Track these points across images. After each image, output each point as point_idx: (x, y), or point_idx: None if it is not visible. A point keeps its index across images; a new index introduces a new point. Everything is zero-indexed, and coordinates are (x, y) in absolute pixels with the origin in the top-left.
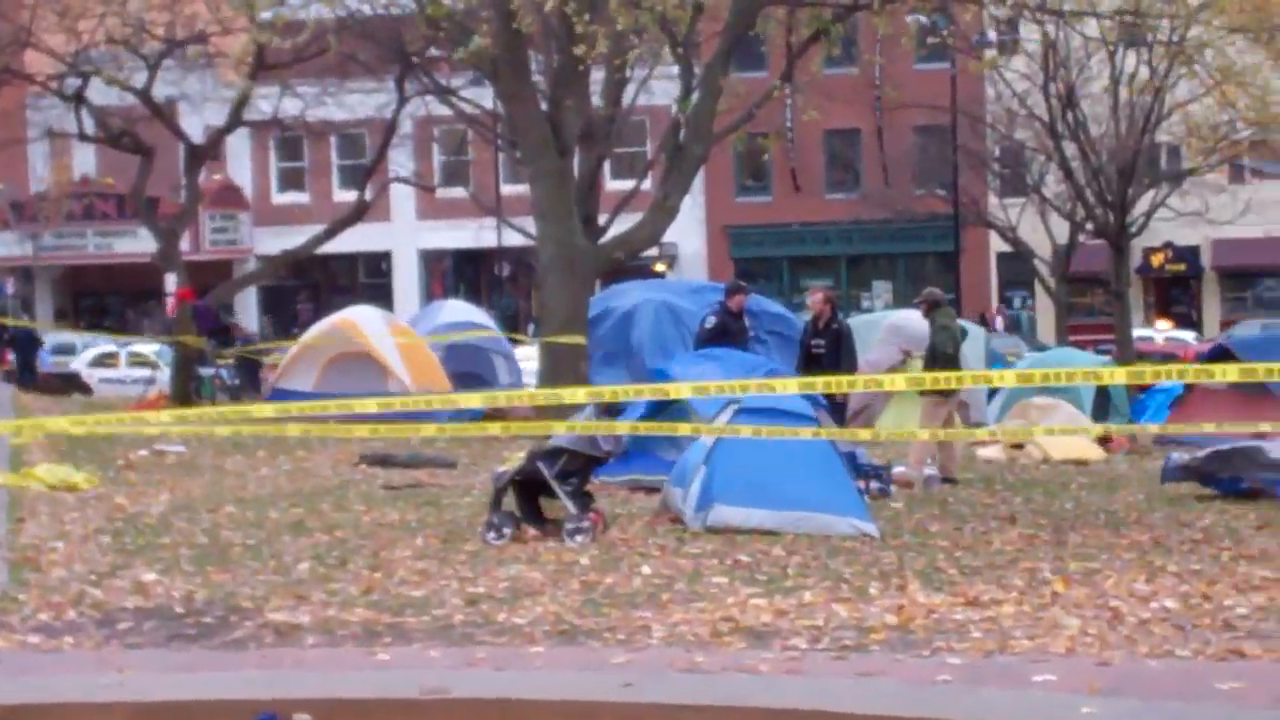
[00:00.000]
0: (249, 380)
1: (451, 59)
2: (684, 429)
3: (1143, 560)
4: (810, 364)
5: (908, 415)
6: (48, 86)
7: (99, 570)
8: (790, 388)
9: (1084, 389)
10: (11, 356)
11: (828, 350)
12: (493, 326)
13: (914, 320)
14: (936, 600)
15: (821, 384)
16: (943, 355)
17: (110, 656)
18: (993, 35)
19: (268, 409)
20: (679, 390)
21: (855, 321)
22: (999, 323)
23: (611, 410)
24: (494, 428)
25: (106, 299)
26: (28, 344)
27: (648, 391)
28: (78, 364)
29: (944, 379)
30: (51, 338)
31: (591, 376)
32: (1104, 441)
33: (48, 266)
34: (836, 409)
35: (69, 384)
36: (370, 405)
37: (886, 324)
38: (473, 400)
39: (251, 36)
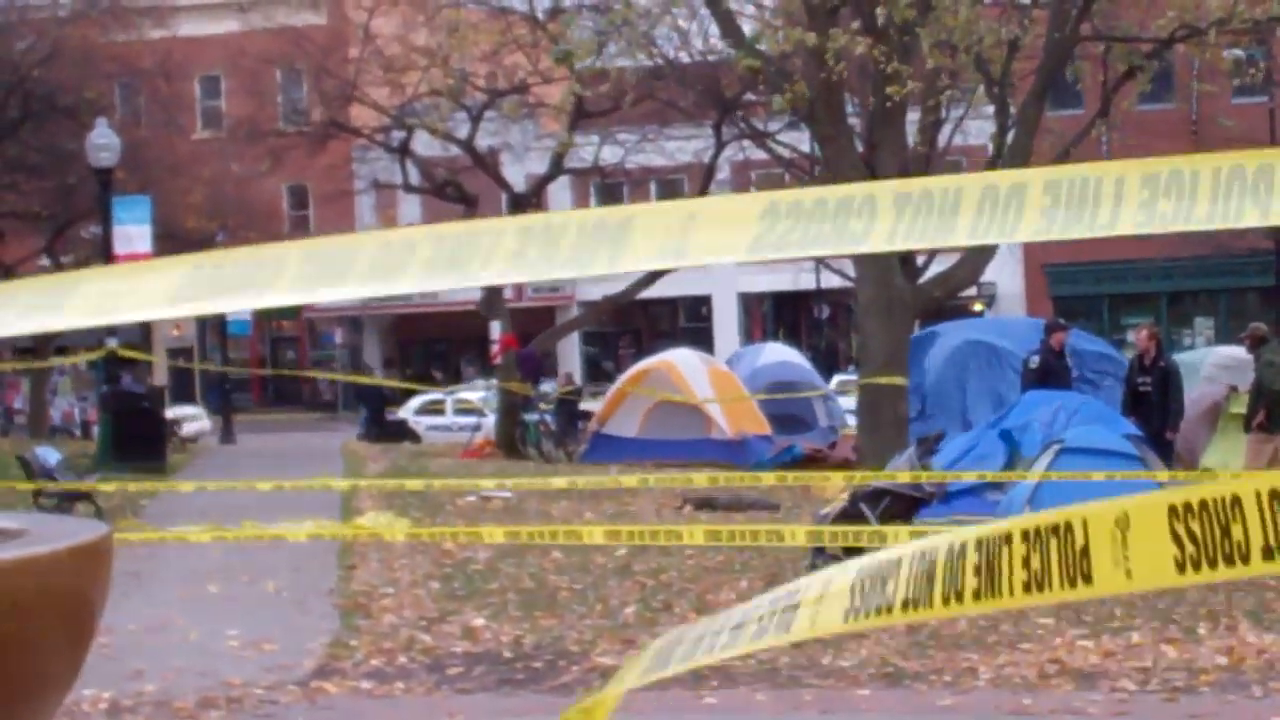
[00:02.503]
0: (568, 424)
1: (768, 105)
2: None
3: None
4: (1137, 403)
5: (1233, 451)
6: (373, 139)
7: (428, 616)
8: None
9: None
10: (362, 410)
11: (1155, 388)
12: (812, 369)
13: (1238, 356)
14: (1267, 640)
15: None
16: (1269, 390)
17: (441, 702)
18: None
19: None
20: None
21: (1178, 358)
22: None
23: (929, 452)
24: (838, 477)
25: (433, 346)
26: (377, 399)
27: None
28: (405, 412)
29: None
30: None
31: (915, 417)
32: None
33: (376, 315)
34: (1163, 447)
35: (398, 432)
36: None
37: (1210, 360)
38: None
39: (571, 87)
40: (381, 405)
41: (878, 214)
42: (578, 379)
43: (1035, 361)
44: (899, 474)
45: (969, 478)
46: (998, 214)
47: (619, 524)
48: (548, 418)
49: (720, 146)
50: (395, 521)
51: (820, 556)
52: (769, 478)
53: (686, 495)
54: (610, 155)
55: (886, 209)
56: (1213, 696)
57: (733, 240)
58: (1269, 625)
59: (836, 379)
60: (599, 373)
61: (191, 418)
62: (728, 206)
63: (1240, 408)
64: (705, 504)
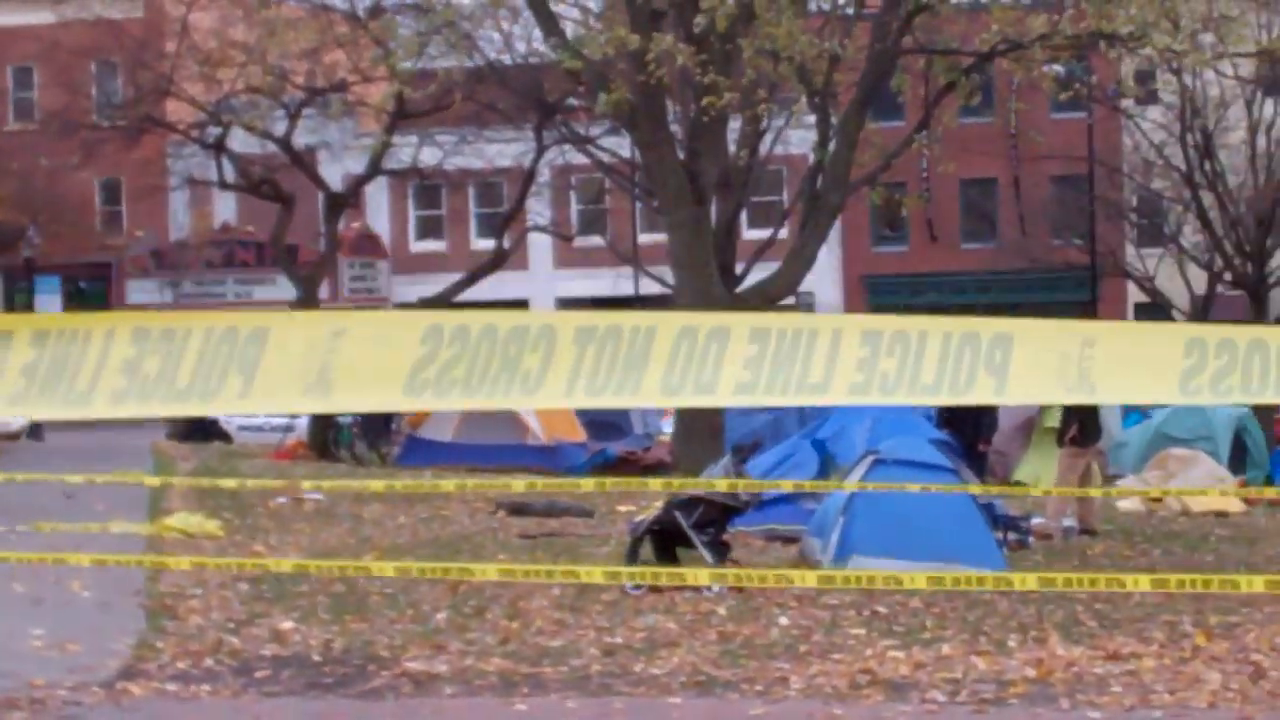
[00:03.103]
0: (382, 426)
1: (590, 109)
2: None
3: None
4: (952, 415)
5: (1046, 465)
6: (189, 135)
7: (237, 618)
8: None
9: (1221, 439)
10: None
11: None
12: None
13: None
14: (1076, 653)
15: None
16: (1080, 406)
17: (247, 705)
18: (1130, 81)
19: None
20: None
21: None
22: None
23: (745, 461)
24: (656, 484)
25: None
26: None
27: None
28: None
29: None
30: None
31: (733, 426)
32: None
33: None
34: (976, 459)
35: (209, 432)
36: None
37: None
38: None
39: (392, 87)
40: None
41: (556, 349)
42: None
43: None
44: (716, 482)
45: (786, 487)
46: (694, 362)
47: (433, 528)
48: (360, 419)
49: (541, 150)
50: (205, 523)
51: (635, 562)
52: (588, 483)
53: (500, 500)
54: (429, 157)
55: (566, 344)
56: (1021, 708)
57: (386, 367)
58: (1078, 638)
59: None
60: None
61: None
62: (384, 326)
63: (1053, 422)
64: (519, 509)
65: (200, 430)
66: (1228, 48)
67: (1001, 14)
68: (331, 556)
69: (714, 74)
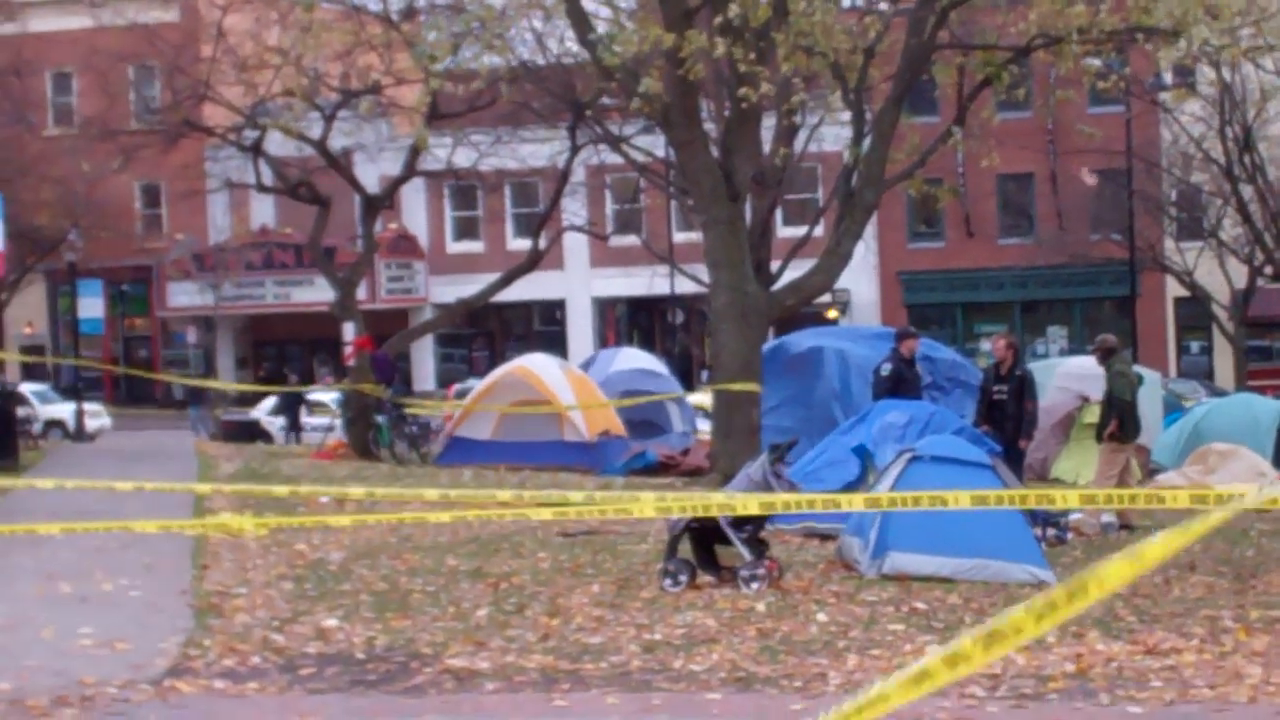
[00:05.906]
0: (420, 428)
1: (624, 108)
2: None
3: None
4: (993, 410)
5: (1085, 461)
6: (226, 138)
7: (281, 616)
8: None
9: (1265, 432)
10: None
11: (1010, 397)
12: (668, 374)
13: (1089, 366)
14: (1115, 649)
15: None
16: (1119, 402)
17: (293, 702)
18: (1168, 77)
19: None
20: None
21: (1032, 367)
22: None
23: (782, 460)
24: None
25: (286, 348)
26: (294, 403)
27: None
28: (258, 412)
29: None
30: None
31: (769, 422)
32: None
33: (228, 316)
34: (1014, 456)
35: (251, 433)
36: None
37: (1061, 370)
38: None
39: (427, 87)
40: (298, 408)
41: None
42: (431, 382)
43: (888, 369)
44: (737, 496)
45: (818, 505)
46: None
47: (473, 527)
48: (407, 419)
49: (575, 150)
50: (252, 522)
51: (674, 561)
52: (649, 508)
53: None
54: (464, 158)
55: None
56: (1061, 703)
57: None
58: (1117, 634)
59: None
60: (453, 375)
61: (92, 414)
62: None
63: (1092, 418)
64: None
65: (245, 431)
66: (1267, 41)
67: (1042, 5)
68: (373, 554)
69: (750, 63)
